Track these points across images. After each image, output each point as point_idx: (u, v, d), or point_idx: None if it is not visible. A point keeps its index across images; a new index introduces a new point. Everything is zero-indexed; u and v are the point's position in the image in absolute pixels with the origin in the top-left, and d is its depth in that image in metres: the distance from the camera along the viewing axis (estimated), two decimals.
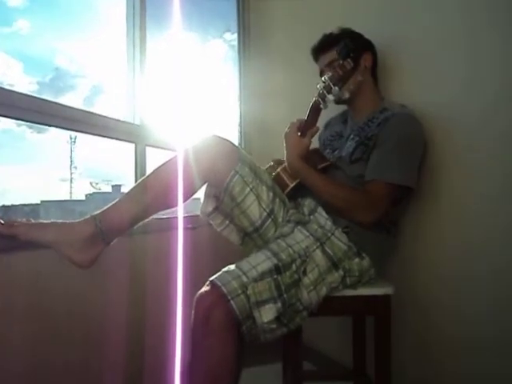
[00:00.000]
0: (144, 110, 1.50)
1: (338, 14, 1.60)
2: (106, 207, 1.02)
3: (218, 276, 0.94)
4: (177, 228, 1.20)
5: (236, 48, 2.15)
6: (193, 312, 0.92)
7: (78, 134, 1.73)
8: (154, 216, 1.08)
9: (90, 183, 2.72)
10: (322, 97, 1.07)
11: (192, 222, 1.46)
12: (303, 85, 1.65)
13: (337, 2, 1.64)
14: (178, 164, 1.03)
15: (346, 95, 1.15)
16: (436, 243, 1.23)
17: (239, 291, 0.91)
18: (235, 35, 2.15)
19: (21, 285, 0.99)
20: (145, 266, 1.33)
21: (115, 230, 1.01)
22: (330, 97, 1.06)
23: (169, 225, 1.39)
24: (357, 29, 1.30)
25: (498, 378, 1.06)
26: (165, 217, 1.41)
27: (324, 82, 1.07)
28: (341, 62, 1.06)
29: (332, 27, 1.31)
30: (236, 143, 1.13)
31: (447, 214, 1.20)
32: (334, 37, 1.28)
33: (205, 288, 0.94)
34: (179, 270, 1.10)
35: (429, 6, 1.26)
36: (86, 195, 2.68)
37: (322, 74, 1.30)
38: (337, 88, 1.04)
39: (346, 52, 1.04)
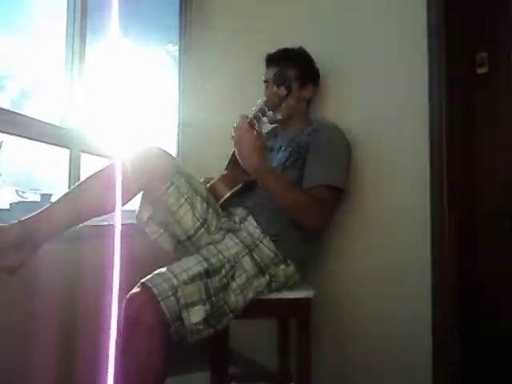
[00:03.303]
0: (80, 115, 1.47)
1: (277, 33, 1.68)
2: (35, 212, 1.00)
3: (150, 278, 0.97)
4: (112, 235, 1.20)
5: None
6: (123, 312, 0.93)
7: (4, 138, 1.64)
8: (89, 222, 1.08)
9: (16, 191, 2.56)
10: (257, 119, 1.16)
11: (127, 230, 1.46)
12: (241, 96, 1.74)
13: (277, 23, 1.71)
14: (115, 171, 1.03)
15: (279, 117, 1.26)
16: (357, 253, 1.37)
17: (169, 293, 0.95)
18: (177, 47, 2.19)
19: None
20: (79, 272, 1.31)
21: (44, 235, 1.00)
22: (265, 119, 1.17)
23: (104, 232, 1.38)
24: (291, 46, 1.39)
25: (401, 368, 1.20)
26: (100, 224, 1.40)
27: (259, 106, 1.17)
28: (275, 88, 1.18)
29: (270, 44, 1.40)
30: (174, 150, 1.17)
31: (369, 224, 1.34)
32: (289, 54, 1.39)
33: (136, 289, 0.96)
34: (114, 277, 1.10)
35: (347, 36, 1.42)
36: (11, 204, 2.52)
37: (265, 82, 1.40)
38: (271, 112, 1.15)
39: (281, 80, 1.16)
